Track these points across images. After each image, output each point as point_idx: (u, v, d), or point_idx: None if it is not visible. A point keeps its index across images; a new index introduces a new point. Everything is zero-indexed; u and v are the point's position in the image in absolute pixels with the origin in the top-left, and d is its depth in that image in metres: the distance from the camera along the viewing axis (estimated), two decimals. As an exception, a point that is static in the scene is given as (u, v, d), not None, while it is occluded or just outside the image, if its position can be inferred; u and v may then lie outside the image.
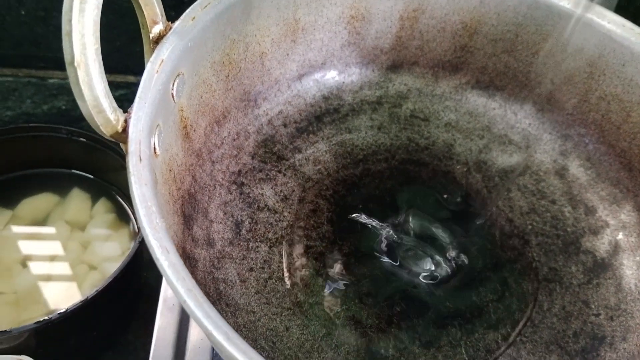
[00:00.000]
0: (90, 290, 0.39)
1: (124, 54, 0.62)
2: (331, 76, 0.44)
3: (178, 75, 0.30)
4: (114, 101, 0.24)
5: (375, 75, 0.45)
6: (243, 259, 0.34)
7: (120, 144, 0.26)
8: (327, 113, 0.43)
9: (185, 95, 0.32)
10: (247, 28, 0.37)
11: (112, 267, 0.43)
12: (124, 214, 0.51)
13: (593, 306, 0.35)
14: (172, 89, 0.30)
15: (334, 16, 0.41)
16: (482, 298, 0.35)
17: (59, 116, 0.62)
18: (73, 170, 0.52)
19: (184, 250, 0.30)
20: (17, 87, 0.64)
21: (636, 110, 0.38)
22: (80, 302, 0.38)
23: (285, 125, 0.42)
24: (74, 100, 0.23)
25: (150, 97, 0.26)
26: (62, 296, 0.46)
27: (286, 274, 0.34)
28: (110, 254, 0.48)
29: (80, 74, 0.23)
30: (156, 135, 0.27)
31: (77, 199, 0.52)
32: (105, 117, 0.24)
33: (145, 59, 0.29)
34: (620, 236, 0.38)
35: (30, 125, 0.49)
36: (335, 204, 0.39)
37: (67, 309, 0.37)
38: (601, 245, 0.38)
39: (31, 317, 0.43)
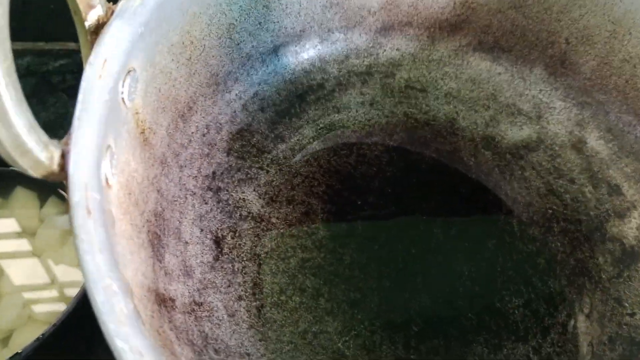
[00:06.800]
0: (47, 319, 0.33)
1: (61, 18, 0.53)
2: (312, 45, 0.37)
3: (129, 72, 0.23)
4: (43, 133, 0.18)
5: (363, 40, 0.38)
6: (229, 286, 0.28)
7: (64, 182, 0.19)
8: (310, 90, 0.37)
9: (140, 94, 0.25)
10: (210, -3, 0.30)
11: (72, 286, 0.37)
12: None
13: (627, 304, 0.31)
14: (122, 93, 0.23)
15: (313, -27, 0.34)
16: (505, 304, 0.31)
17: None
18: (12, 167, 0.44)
19: (156, 293, 0.24)
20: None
21: (668, 73, 0.33)
22: (36, 340, 0.32)
23: (262, 110, 0.35)
24: None
25: (94, 114, 0.20)
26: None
27: (282, 298, 0.29)
28: (69, 263, 0.42)
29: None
30: (107, 160, 0.21)
31: (23, 200, 0.44)
32: (33, 158, 0.17)
33: (83, 57, 0.22)
34: (648, 217, 0.34)
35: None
36: (330, 201, 0.33)
37: (22, 350, 0.31)
38: (629, 230, 0.34)
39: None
